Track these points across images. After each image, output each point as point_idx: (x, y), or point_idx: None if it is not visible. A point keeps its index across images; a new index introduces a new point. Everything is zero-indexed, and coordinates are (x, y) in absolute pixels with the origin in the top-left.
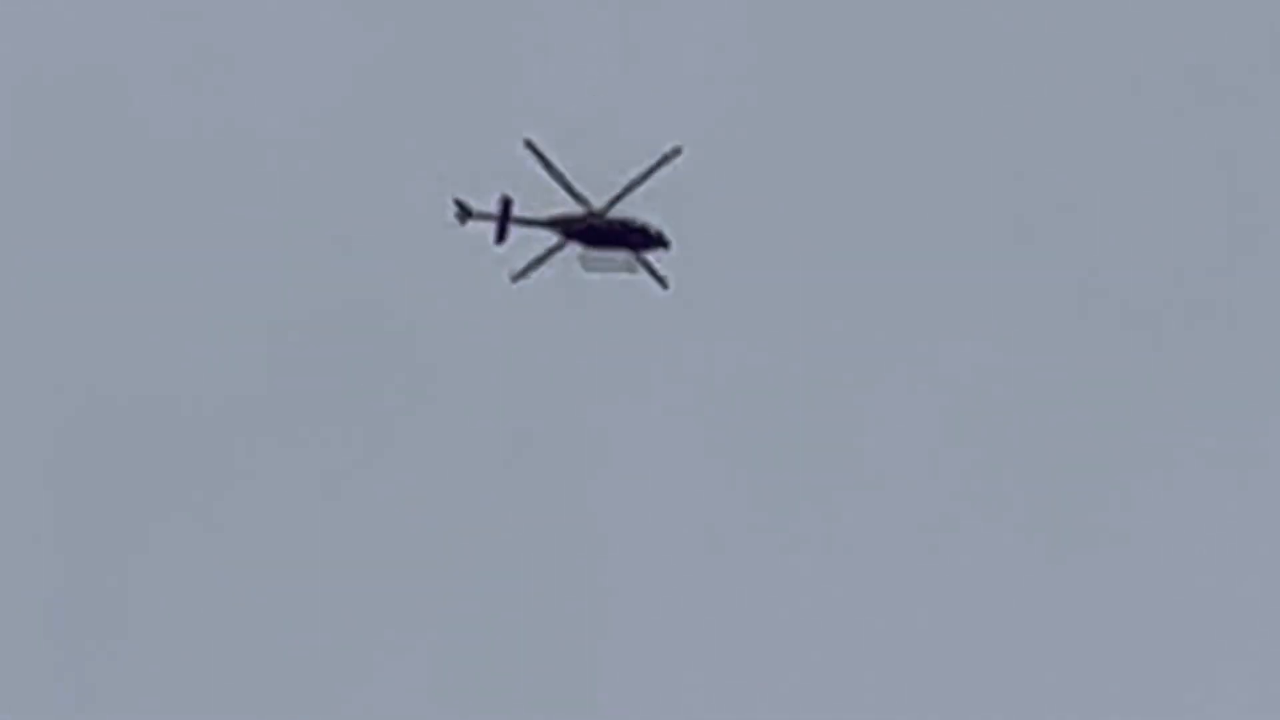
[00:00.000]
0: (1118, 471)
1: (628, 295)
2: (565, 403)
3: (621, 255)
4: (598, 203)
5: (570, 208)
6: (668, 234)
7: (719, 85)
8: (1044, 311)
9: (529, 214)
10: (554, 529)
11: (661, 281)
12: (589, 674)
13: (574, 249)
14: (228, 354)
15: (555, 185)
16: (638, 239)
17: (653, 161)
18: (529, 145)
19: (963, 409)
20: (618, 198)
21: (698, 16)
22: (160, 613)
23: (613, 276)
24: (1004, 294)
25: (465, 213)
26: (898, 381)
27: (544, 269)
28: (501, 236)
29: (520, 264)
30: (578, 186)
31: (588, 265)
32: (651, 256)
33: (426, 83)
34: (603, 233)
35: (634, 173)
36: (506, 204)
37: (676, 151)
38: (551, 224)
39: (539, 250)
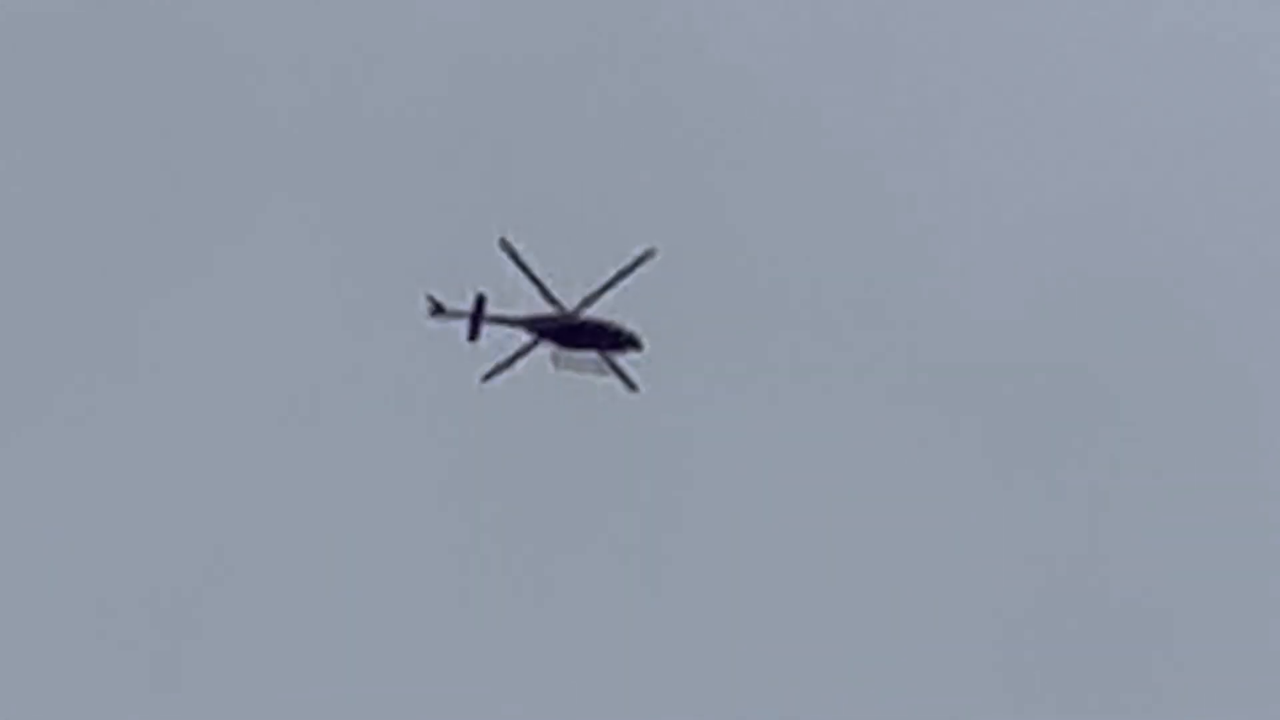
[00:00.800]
0: None
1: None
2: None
3: (593, 356)
4: (570, 303)
5: (544, 307)
6: (640, 336)
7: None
8: None
9: (503, 312)
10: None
11: (631, 384)
12: None
13: (546, 348)
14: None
15: (529, 284)
16: (609, 340)
17: (627, 262)
18: (504, 245)
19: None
20: (591, 298)
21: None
22: None
23: (584, 377)
24: None
25: (438, 309)
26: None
27: (515, 368)
28: (474, 334)
29: (493, 362)
30: (550, 286)
31: (559, 365)
32: (624, 358)
33: (403, 175)
34: (575, 333)
35: (608, 273)
36: (480, 301)
37: (651, 253)
38: (524, 323)
39: (512, 349)
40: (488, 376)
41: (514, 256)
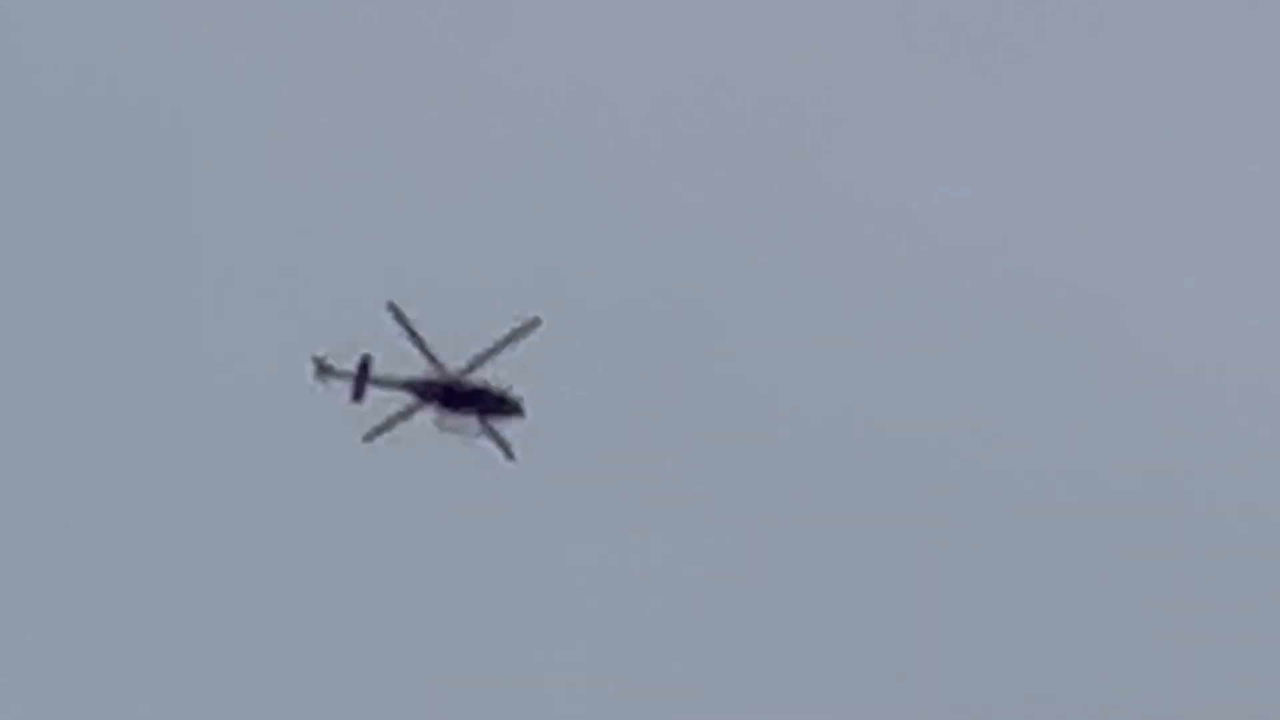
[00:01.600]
0: None
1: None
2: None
3: (475, 420)
4: (454, 367)
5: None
6: (523, 403)
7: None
8: None
9: (387, 374)
10: None
11: (507, 451)
12: None
13: (429, 412)
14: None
15: (414, 349)
16: (491, 405)
17: (511, 330)
18: (392, 309)
19: None
20: (475, 364)
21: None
22: None
23: (466, 439)
24: None
25: (324, 370)
26: None
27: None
28: (359, 395)
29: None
30: (435, 351)
31: (442, 428)
32: (505, 424)
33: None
34: (458, 397)
35: (492, 340)
36: (365, 363)
37: (536, 322)
38: (409, 386)
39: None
40: (369, 437)
41: (401, 320)
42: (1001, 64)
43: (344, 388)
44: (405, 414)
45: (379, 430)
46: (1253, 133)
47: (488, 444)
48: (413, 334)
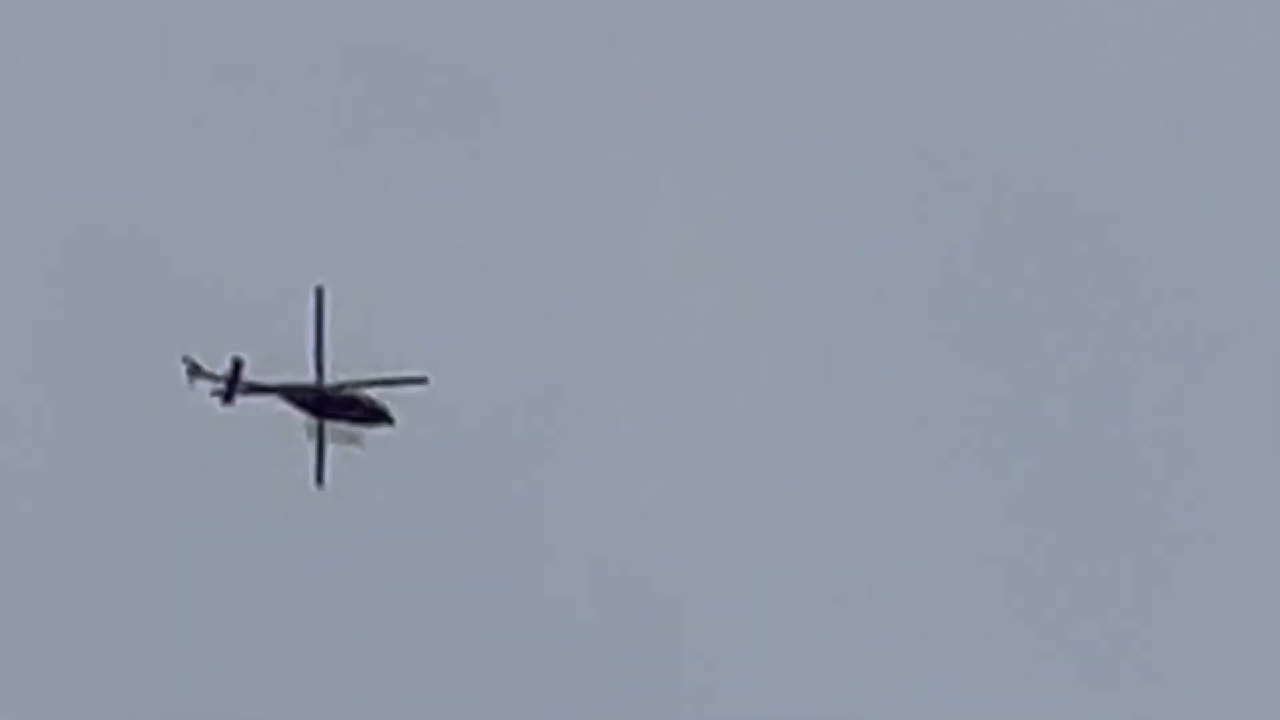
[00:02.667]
0: None
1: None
2: None
3: (346, 427)
4: (331, 379)
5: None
6: (391, 411)
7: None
8: None
9: (259, 378)
10: None
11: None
12: None
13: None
14: None
15: (310, 343)
16: (361, 413)
17: (397, 375)
18: (318, 294)
19: None
20: (350, 384)
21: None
22: None
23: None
24: None
25: (195, 370)
26: None
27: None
28: (229, 397)
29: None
30: (325, 357)
31: (311, 435)
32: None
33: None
34: (330, 404)
35: (376, 374)
36: (238, 365)
37: (423, 380)
38: (281, 390)
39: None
40: (320, 479)
41: (319, 311)
42: None
43: (212, 388)
44: (319, 438)
45: (319, 470)
46: None
47: (360, 450)
48: (319, 330)
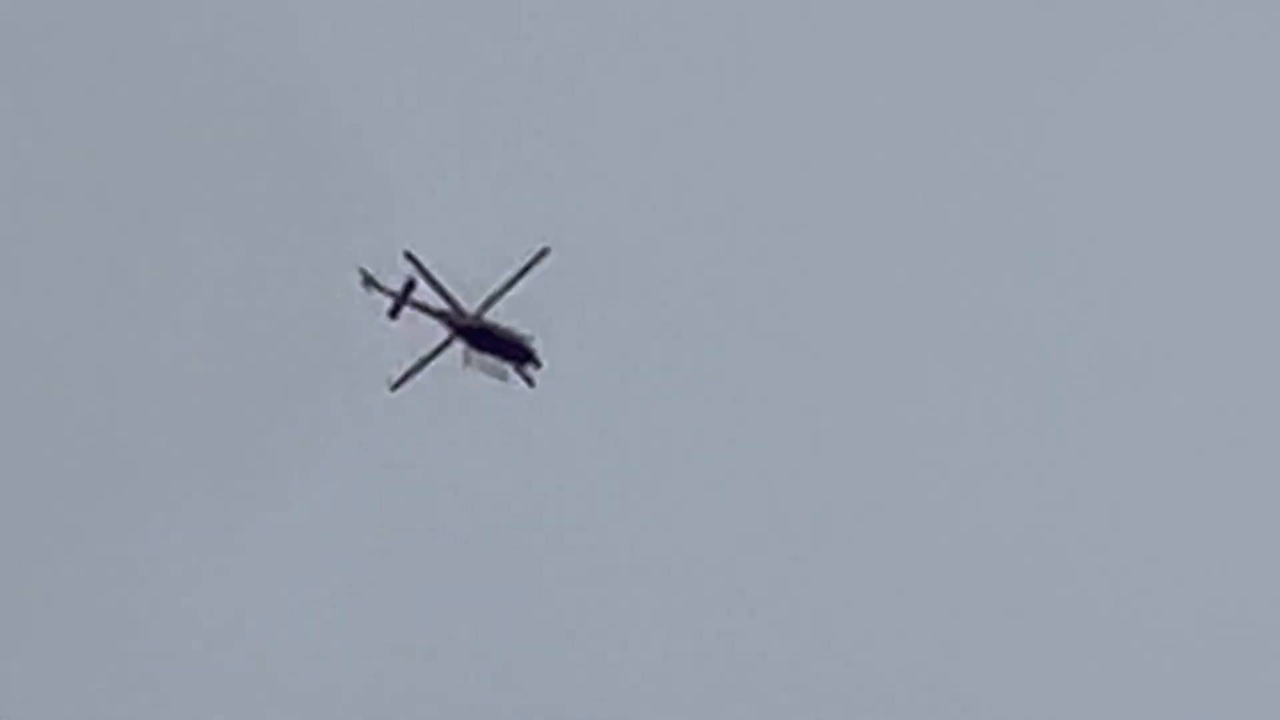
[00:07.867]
0: None
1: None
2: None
3: (498, 361)
4: (471, 310)
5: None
6: (540, 354)
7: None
8: None
9: (426, 300)
10: None
11: (529, 381)
12: None
13: (457, 346)
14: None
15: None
16: (514, 351)
17: (523, 264)
18: (409, 257)
19: None
20: (490, 301)
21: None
22: None
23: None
24: None
25: (369, 282)
26: None
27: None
28: (396, 312)
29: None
30: (456, 296)
31: (467, 363)
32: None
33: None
34: (486, 336)
35: (504, 275)
36: (409, 284)
37: (545, 252)
38: (442, 315)
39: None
40: (397, 384)
41: (420, 268)
42: None
43: (383, 302)
44: (434, 354)
45: (406, 376)
46: None
47: (507, 383)
48: (431, 280)
